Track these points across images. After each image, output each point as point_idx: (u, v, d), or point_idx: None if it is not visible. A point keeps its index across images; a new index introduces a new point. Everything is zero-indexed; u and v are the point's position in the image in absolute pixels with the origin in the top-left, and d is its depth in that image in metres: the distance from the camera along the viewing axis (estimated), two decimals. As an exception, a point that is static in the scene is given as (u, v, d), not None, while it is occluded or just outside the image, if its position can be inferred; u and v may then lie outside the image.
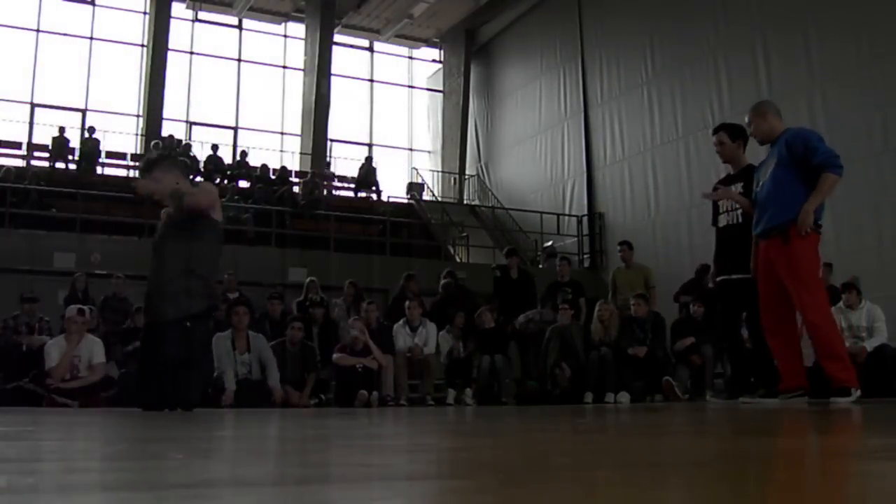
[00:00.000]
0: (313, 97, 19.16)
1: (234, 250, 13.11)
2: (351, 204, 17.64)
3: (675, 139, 14.20)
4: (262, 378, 7.35)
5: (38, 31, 18.15)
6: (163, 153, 5.42)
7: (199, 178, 15.04)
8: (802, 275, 4.71)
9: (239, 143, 19.41)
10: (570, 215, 16.77)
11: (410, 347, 8.53)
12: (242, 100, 20.10)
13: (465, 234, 17.65)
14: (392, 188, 19.41)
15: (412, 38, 21.62)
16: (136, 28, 18.84)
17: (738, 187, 5.46)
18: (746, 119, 5.13)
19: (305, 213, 15.42)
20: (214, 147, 17.09)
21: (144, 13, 18.78)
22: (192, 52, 19.66)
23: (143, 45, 18.60)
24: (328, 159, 19.57)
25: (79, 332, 7.14)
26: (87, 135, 16.61)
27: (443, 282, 9.88)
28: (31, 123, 17.74)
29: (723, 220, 5.58)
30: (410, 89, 22.44)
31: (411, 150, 22.02)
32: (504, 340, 9.09)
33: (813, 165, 4.69)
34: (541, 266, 15.38)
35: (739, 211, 5.41)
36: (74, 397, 6.81)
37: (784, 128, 5.03)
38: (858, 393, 4.64)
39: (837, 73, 11.44)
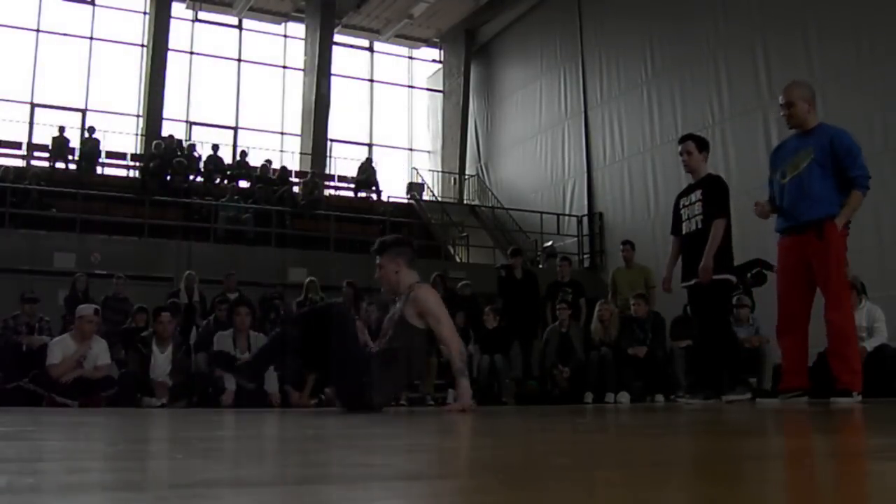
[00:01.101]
0: (313, 97, 19.16)
1: (234, 250, 13.14)
2: (351, 204, 17.65)
3: (674, 139, 14.10)
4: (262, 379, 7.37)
5: (38, 31, 18.15)
6: (397, 238, 4.92)
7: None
8: (832, 272, 4.69)
9: (239, 143, 19.42)
10: (570, 215, 16.77)
11: (410, 347, 8.52)
12: (242, 100, 20.11)
13: (465, 234, 17.65)
14: (392, 188, 19.43)
15: (412, 38, 21.62)
16: (136, 28, 18.84)
17: (697, 195, 5.65)
18: (783, 98, 4.94)
19: (305, 213, 15.42)
20: (215, 147, 17.10)
21: (144, 13, 18.78)
22: (192, 52, 19.66)
23: (143, 45, 18.60)
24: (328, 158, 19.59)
25: (91, 332, 7.19)
26: (87, 135, 16.61)
27: (461, 283, 10.25)
28: (31, 123, 17.74)
29: (685, 228, 5.72)
30: (410, 89, 22.44)
31: (411, 150, 22.02)
32: (505, 340, 9.09)
33: (846, 176, 4.69)
34: (541, 266, 15.38)
35: (699, 218, 5.59)
36: (74, 397, 6.81)
37: (818, 121, 4.94)
38: (860, 398, 4.64)
39: (837, 73, 11.43)
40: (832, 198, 4.71)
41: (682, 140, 5.84)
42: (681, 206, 5.83)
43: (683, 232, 5.75)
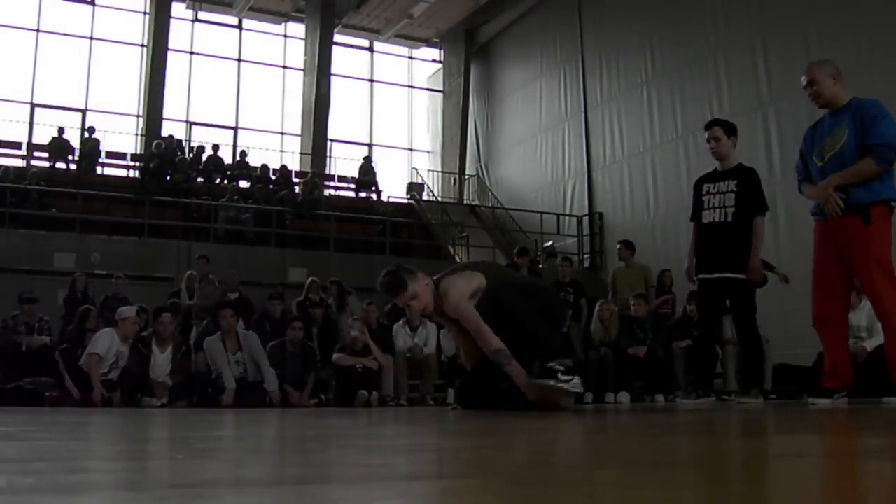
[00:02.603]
0: (313, 97, 19.17)
1: (234, 250, 13.14)
2: (351, 204, 17.65)
3: (674, 139, 14.20)
4: (260, 379, 7.39)
5: (38, 31, 18.15)
6: (392, 271, 4.36)
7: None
8: (881, 257, 4.38)
9: (239, 143, 19.42)
10: (570, 215, 16.78)
11: (410, 347, 8.54)
12: (242, 100, 20.11)
13: (465, 234, 17.65)
14: (392, 188, 19.44)
15: (412, 38, 21.62)
16: (136, 28, 18.84)
17: (730, 185, 5.40)
18: (805, 78, 4.63)
19: (305, 213, 15.42)
20: (215, 147, 17.11)
21: (144, 13, 18.78)
22: (192, 52, 19.66)
23: (143, 45, 18.61)
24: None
25: (134, 333, 7.33)
26: (87, 135, 16.60)
27: None
28: (31, 123, 17.74)
29: (707, 217, 5.45)
30: (410, 89, 22.44)
31: (411, 150, 22.03)
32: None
33: (865, 143, 4.37)
34: (541, 266, 15.38)
35: (731, 210, 5.34)
36: (80, 388, 6.84)
37: (850, 96, 4.62)
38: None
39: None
40: (875, 180, 4.39)
41: (709, 126, 5.56)
42: (703, 192, 5.52)
43: (705, 221, 5.47)
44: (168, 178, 15.48)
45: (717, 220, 5.41)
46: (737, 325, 5.67)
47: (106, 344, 7.05)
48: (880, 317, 4.50)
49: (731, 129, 5.56)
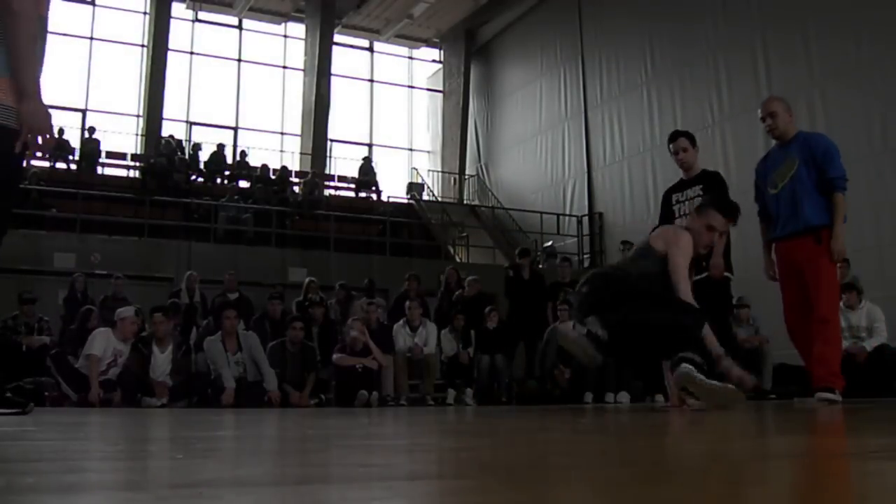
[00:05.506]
0: (313, 97, 19.17)
1: (234, 250, 13.14)
2: (351, 204, 17.65)
3: (674, 139, 14.20)
4: (259, 378, 7.40)
5: (37, 31, 18.13)
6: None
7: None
8: (824, 274, 4.80)
9: (239, 143, 19.43)
10: (570, 215, 16.78)
11: (410, 347, 8.54)
12: (242, 100, 20.11)
13: (465, 234, 17.65)
14: (392, 188, 19.44)
15: (412, 38, 21.63)
16: (136, 28, 18.84)
17: (696, 190, 5.58)
18: (762, 112, 5.09)
19: (305, 213, 15.42)
20: (220, 146, 17.14)
21: (144, 13, 18.78)
22: (192, 52, 19.66)
23: (143, 46, 18.61)
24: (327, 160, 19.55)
25: (133, 333, 7.35)
26: (87, 135, 16.60)
27: (469, 279, 10.24)
28: (31, 123, 17.72)
29: (681, 224, 5.61)
30: (410, 89, 22.44)
31: (411, 150, 22.03)
32: (506, 340, 9.09)
33: (825, 177, 4.81)
34: (541, 266, 15.38)
35: None
36: (77, 390, 6.84)
37: (797, 130, 5.09)
38: (839, 397, 4.65)
39: (837, 73, 11.43)
40: (824, 203, 4.83)
41: (674, 138, 5.78)
42: (674, 202, 5.74)
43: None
44: (171, 174, 15.47)
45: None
46: (720, 326, 5.73)
47: (102, 344, 7.05)
48: (817, 323, 4.80)
49: (693, 140, 5.80)
